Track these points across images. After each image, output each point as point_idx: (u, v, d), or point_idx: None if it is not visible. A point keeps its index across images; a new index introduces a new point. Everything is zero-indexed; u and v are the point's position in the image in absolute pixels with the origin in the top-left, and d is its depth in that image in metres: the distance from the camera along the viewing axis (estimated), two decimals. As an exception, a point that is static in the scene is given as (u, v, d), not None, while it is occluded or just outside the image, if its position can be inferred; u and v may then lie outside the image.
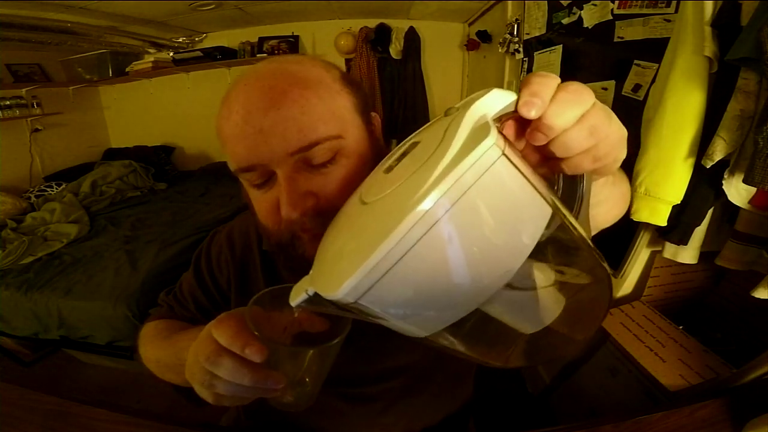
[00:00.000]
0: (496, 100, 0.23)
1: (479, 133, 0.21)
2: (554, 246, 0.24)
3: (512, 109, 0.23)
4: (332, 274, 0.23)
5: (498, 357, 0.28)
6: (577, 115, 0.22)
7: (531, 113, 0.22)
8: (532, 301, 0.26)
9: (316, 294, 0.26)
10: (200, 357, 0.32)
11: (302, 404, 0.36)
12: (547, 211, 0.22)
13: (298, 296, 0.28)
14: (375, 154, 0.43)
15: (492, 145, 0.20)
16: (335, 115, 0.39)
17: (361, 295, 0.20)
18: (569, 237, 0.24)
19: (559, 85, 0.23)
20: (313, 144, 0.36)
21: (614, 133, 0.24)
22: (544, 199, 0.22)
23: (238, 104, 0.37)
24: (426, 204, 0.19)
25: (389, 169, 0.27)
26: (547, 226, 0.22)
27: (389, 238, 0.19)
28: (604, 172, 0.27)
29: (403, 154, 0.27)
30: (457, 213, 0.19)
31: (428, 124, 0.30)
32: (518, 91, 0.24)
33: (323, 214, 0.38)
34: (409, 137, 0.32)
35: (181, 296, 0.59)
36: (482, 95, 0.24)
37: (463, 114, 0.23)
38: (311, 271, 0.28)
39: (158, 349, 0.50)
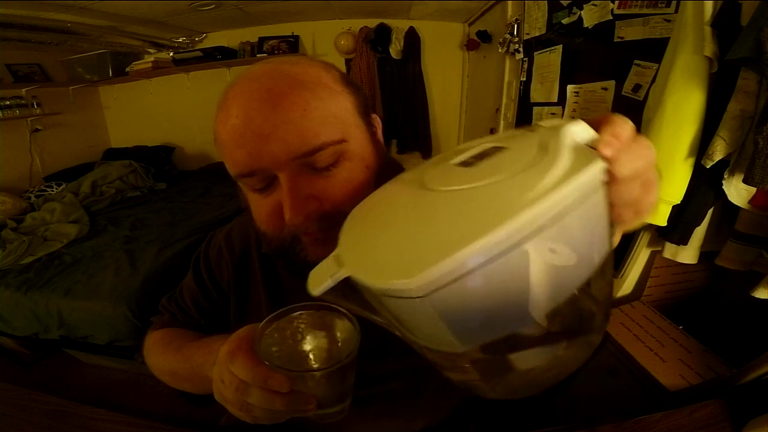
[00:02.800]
0: (582, 131, 0.24)
1: (583, 155, 0.22)
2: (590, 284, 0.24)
3: (590, 143, 0.24)
4: (398, 261, 0.20)
5: (487, 385, 0.27)
6: (639, 169, 0.23)
7: (608, 152, 0.22)
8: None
9: (348, 280, 0.23)
10: (228, 386, 0.32)
11: (340, 413, 0.36)
12: (607, 245, 0.23)
13: (322, 283, 0.25)
14: (377, 156, 0.43)
15: (603, 167, 0.21)
16: (337, 118, 0.38)
17: (434, 290, 0.18)
18: (603, 279, 0.24)
19: (633, 134, 0.24)
20: (317, 149, 0.36)
21: (657, 191, 0.25)
22: (608, 232, 0.23)
23: (236, 108, 0.36)
24: (543, 207, 0.18)
25: (467, 164, 0.26)
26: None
27: (497, 231, 0.17)
28: (632, 227, 0.28)
29: (482, 155, 0.26)
30: (566, 224, 0.19)
31: (507, 133, 0.30)
32: (569, 118, 0.24)
33: (326, 217, 0.38)
34: (482, 140, 0.30)
35: (182, 303, 0.59)
36: (570, 123, 0.24)
37: (559, 134, 0.23)
38: (341, 255, 0.25)
39: (172, 362, 0.50)
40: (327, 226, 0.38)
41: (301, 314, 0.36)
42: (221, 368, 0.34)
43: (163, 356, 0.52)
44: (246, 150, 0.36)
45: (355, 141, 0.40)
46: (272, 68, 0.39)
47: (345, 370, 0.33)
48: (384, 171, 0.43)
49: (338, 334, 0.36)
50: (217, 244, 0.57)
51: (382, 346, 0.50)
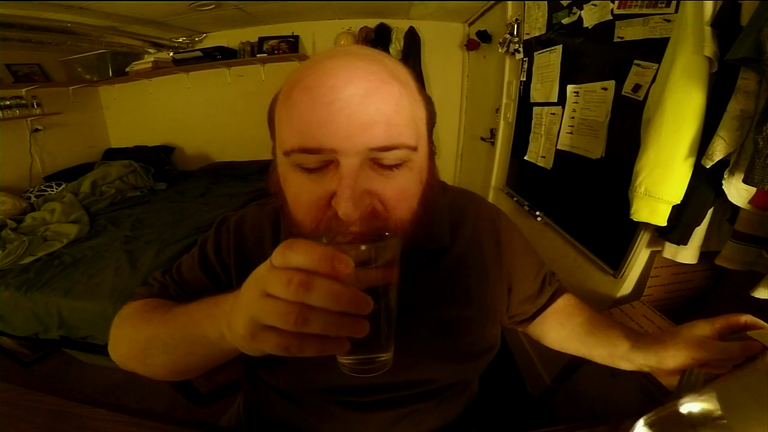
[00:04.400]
0: None
1: None
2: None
3: None
4: None
5: None
6: None
7: None
8: None
9: None
10: (284, 288, 0.26)
11: (386, 364, 0.33)
12: None
13: None
14: (429, 175, 0.43)
15: None
16: (416, 124, 0.38)
17: None
18: None
19: None
20: (394, 147, 0.35)
21: None
22: None
23: (332, 78, 0.34)
24: None
25: None
26: None
27: None
28: None
29: None
30: None
31: None
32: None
33: (373, 219, 0.37)
34: None
35: (179, 278, 0.55)
36: None
37: None
38: None
39: (155, 326, 0.43)
40: (367, 230, 0.36)
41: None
42: (268, 276, 0.27)
43: (143, 322, 0.46)
44: (324, 124, 0.34)
45: (422, 153, 0.39)
46: (371, 53, 0.37)
47: (389, 292, 0.31)
48: (432, 192, 0.43)
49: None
50: (228, 230, 0.54)
51: (403, 360, 0.49)
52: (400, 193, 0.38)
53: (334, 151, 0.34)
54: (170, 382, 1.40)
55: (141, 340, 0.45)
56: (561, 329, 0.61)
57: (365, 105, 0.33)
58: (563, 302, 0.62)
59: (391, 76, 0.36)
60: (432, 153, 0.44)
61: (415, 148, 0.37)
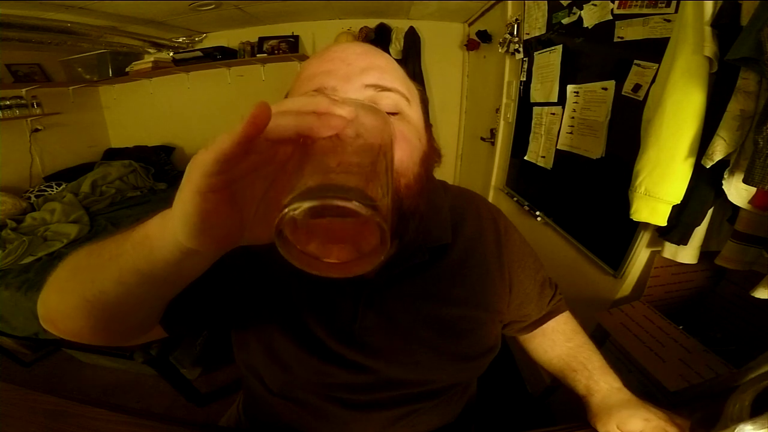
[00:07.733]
0: None
1: None
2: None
3: None
4: None
5: None
6: None
7: None
8: None
9: None
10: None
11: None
12: None
13: None
14: (430, 147, 0.46)
15: None
16: (407, 86, 0.44)
17: None
18: None
19: None
20: (386, 89, 0.40)
21: None
22: None
23: (339, 48, 0.42)
24: None
25: None
26: None
27: None
28: None
29: None
30: None
31: None
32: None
33: None
34: None
35: None
36: None
37: None
38: None
39: (90, 250, 0.35)
40: None
41: None
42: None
43: (76, 254, 0.37)
44: (327, 69, 0.40)
45: (415, 113, 0.44)
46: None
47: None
48: (432, 166, 0.47)
49: None
50: None
51: (393, 354, 0.49)
52: (399, 132, 0.39)
53: (335, 89, 0.39)
54: (170, 382, 1.41)
55: (77, 260, 0.37)
56: (549, 351, 0.64)
57: (362, 58, 0.41)
58: (557, 324, 0.64)
59: (382, 51, 0.45)
60: (429, 126, 0.48)
61: (408, 100, 0.42)
